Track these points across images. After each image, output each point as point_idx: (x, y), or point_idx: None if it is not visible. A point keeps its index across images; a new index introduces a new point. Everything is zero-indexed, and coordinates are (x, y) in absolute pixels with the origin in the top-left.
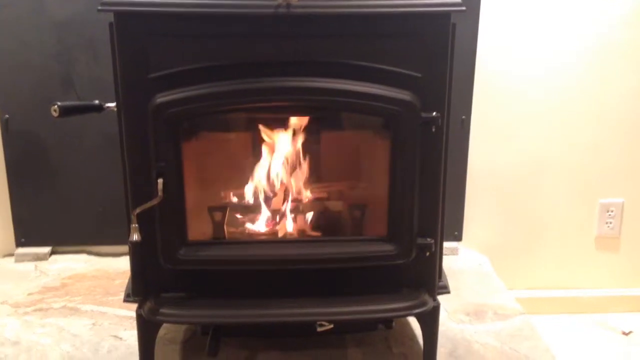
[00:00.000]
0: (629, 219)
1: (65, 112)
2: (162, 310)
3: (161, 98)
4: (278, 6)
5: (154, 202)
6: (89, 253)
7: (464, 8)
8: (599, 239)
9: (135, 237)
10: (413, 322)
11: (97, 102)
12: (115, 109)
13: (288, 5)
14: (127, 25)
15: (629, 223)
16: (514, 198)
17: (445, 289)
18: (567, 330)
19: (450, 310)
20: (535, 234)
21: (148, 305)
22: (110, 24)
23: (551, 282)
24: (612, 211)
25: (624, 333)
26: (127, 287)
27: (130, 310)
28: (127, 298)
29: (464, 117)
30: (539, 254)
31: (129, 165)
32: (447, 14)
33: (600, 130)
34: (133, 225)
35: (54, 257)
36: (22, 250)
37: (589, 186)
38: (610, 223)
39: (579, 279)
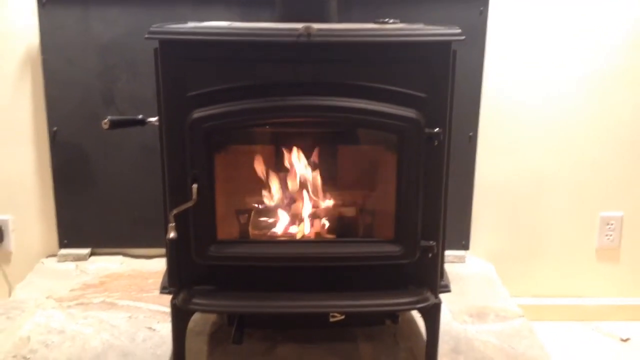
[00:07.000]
0: (628, 232)
1: (114, 125)
2: (194, 300)
3: (198, 114)
4: (300, 35)
5: (189, 204)
6: (125, 255)
7: (463, 37)
8: (599, 251)
9: (172, 234)
10: (419, 321)
11: (141, 116)
12: (157, 123)
13: (309, 35)
14: (169, 51)
15: (628, 235)
16: (519, 210)
17: (446, 288)
18: (568, 336)
19: (455, 311)
20: (538, 244)
21: (181, 296)
22: (155, 50)
23: (553, 290)
24: (612, 224)
25: (622, 340)
26: (162, 282)
27: (162, 306)
28: (163, 290)
29: (471, 134)
30: (542, 263)
31: (168, 172)
32: (448, 43)
33: (601, 148)
34: (170, 224)
35: (93, 258)
36: (64, 251)
37: (590, 200)
38: (610, 235)
39: (580, 288)
